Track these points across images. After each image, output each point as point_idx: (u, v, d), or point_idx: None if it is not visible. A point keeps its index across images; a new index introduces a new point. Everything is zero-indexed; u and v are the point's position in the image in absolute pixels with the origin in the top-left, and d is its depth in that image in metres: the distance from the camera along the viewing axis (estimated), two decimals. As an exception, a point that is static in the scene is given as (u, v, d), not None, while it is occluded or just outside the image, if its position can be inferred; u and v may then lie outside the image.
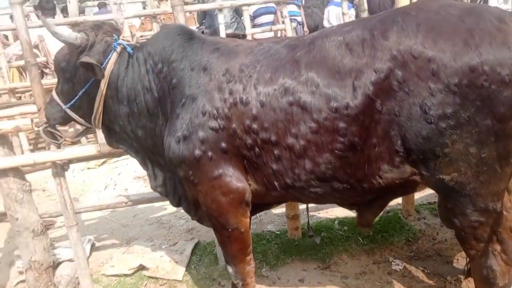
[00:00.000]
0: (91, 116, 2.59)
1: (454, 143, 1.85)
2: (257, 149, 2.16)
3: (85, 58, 2.33)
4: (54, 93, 2.69)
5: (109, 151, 3.11)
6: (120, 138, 2.70)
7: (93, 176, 5.82)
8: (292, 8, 7.44)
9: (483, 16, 1.83)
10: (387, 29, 1.93)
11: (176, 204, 2.72)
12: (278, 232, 3.80)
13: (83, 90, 2.52)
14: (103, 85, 2.47)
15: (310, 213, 3.84)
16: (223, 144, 2.19)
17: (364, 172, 2.06)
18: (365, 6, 4.72)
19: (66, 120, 2.76)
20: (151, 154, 2.62)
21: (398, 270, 3.10)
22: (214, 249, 3.51)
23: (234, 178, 2.24)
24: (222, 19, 5.36)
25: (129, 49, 2.49)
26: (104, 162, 6.13)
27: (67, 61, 2.53)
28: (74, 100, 2.56)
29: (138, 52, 2.47)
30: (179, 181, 2.54)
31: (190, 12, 12.11)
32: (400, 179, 2.05)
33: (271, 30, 6.59)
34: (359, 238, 3.50)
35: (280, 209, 4.02)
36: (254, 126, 2.12)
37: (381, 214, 3.71)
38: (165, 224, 4.25)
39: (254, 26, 7.11)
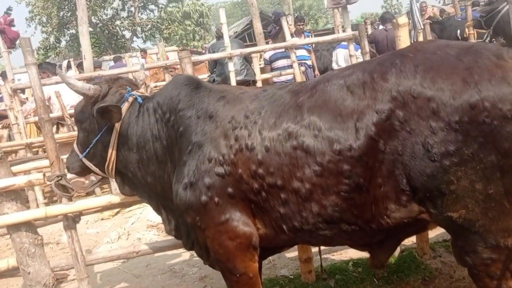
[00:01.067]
0: (105, 165, 2.69)
1: (459, 180, 1.84)
2: (263, 194, 2.18)
3: (100, 104, 2.49)
4: (74, 144, 2.85)
5: (120, 201, 3.17)
6: (133, 184, 2.77)
7: (106, 227, 5.85)
8: (302, 52, 7.66)
9: (480, 54, 1.86)
10: (386, 71, 1.98)
11: (190, 247, 2.74)
12: (292, 276, 3.73)
13: (96, 138, 2.65)
14: (115, 133, 2.59)
15: (324, 255, 3.79)
16: (230, 190, 2.22)
17: (372, 213, 2.05)
18: (367, 48, 4.85)
19: (83, 169, 2.86)
20: (163, 200, 2.67)
21: (416, 311, 3.00)
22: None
23: (241, 223, 2.26)
24: (232, 67, 5.56)
25: (139, 99, 2.62)
26: (118, 212, 6.18)
27: (83, 111, 2.70)
28: (88, 149, 2.70)
29: (148, 102, 2.59)
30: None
31: (201, 61, 12.54)
32: (409, 218, 2.03)
33: (280, 75, 6.78)
34: (374, 280, 3.41)
35: (293, 252, 3.97)
36: (260, 171, 2.15)
37: (396, 254, 3.67)
38: (178, 272, 4.21)
39: (272, 69, 7.33)
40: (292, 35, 6.98)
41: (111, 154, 2.63)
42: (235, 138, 2.22)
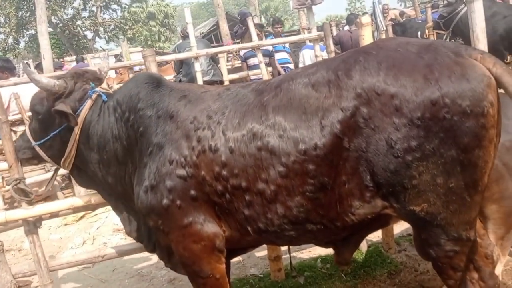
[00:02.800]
0: (61, 158, 2.60)
1: (421, 175, 1.86)
2: (227, 196, 2.14)
3: (59, 106, 2.39)
4: (27, 128, 2.73)
5: (84, 204, 3.08)
6: (92, 182, 2.70)
7: (70, 232, 5.68)
8: (284, 55, 7.70)
9: (440, 52, 1.89)
10: (351, 69, 1.97)
11: (151, 250, 2.68)
12: (262, 275, 3.73)
13: (55, 132, 2.55)
14: (77, 130, 2.50)
15: (293, 253, 3.81)
16: (192, 192, 2.16)
17: (337, 211, 2.05)
18: (332, 48, 4.91)
19: (34, 156, 2.76)
20: (124, 200, 2.61)
21: (383, 305, 3.07)
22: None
23: (205, 225, 2.21)
24: (198, 67, 5.49)
25: (104, 97, 2.53)
26: (82, 217, 6.01)
27: (42, 104, 2.58)
28: (44, 140, 2.59)
29: (109, 100, 2.51)
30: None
31: (167, 62, 12.37)
32: (373, 213, 2.05)
33: (247, 76, 6.78)
34: (342, 275, 3.46)
35: (263, 251, 3.97)
36: (224, 172, 2.11)
37: (363, 249, 3.74)
38: (146, 276, 4.13)
39: (248, 66, 7.42)
40: (259, 36, 6.98)
41: (71, 151, 2.54)
42: (198, 139, 2.17)
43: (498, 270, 2.50)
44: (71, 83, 2.54)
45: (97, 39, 32.29)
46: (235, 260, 4.05)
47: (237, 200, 2.14)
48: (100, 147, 2.48)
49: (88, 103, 2.52)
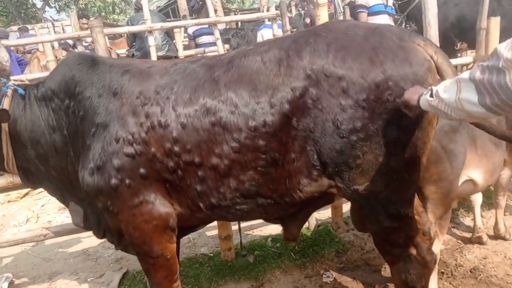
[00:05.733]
0: (3, 163, 2.44)
1: (365, 155, 1.92)
2: (180, 172, 2.10)
3: None
4: None
5: (24, 181, 2.92)
6: (38, 178, 2.55)
7: (13, 209, 5.43)
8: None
9: (385, 36, 1.94)
10: (301, 50, 1.98)
11: (101, 236, 2.58)
12: (212, 254, 3.72)
13: None
14: (4, 132, 2.32)
15: (244, 232, 3.82)
16: (142, 170, 2.10)
17: (286, 187, 2.08)
18: (288, 27, 4.88)
19: None
20: (72, 190, 2.48)
21: (329, 282, 3.14)
22: (143, 278, 3.36)
23: (157, 204, 2.16)
24: (152, 41, 5.29)
25: (20, 90, 2.35)
26: (26, 194, 5.75)
27: None
28: None
29: (34, 90, 2.34)
30: (101, 212, 2.41)
31: (121, 35, 11.88)
32: (319, 192, 2.09)
33: (204, 52, 6.61)
34: (292, 254, 3.51)
35: (213, 231, 3.96)
36: (176, 148, 2.07)
37: (312, 228, 3.80)
38: (92, 255, 4.02)
39: (196, 45, 7.18)
40: (215, 11, 6.82)
41: (7, 153, 2.38)
42: (146, 115, 2.10)
43: (437, 248, 2.61)
44: None
45: (47, 8, 30.58)
46: (185, 239, 4.02)
47: (189, 176, 2.11)
48: (33, 142, 2.34)
49: (6, 102, 2.34)
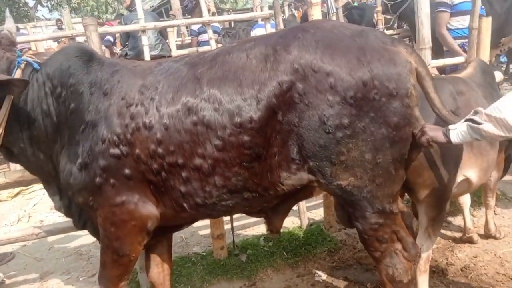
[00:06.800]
0: None
1: (350, 151, 1.94)
2: (163, 174, 2.09)
3: None
4: None
5: (16, 179, 2.91)
6: (21, 159, 2.47)
7: (5, 209, 5.40)
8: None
9: (370, 37, 1.98)
10: (289, 44, 1.99)
11: (81, 227, 2.55)
12: (204, 253, 3.72)
13: None
14: (7, 106, 2.23)
15: (236, 231, 3.82)
16: (127, 171, 2.08)
17: (269, 180, 2.09)
18: (281, 26, 4.87)
19: None
20: (53, 178, 2.44)
21: (321, 281, 3.15)
22: (136, 276, 3.36)
23: (139, 205, 2.15)
24: (146, 41, 5.27)
25: (35, 65, 2.31)
26: (18, 194, 5.71)
27: None
28: None
29: (38, 72, 2.31)
30: None
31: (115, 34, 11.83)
32: (299, 185, 2.11)
33: (197, 52, 6.60)
34: (284, 253, 3.52)
35: (206, 230, 3.96)
36: (160, 150, 2.05)
37: (305, 227, 3.81)
38: (84, 255, 4.01)
39: (198, 42, 7.26)
40: (209, 11, 6.81)
41: (0, 126, 2.27)
42: (131, 116, 2.08)
43: (430, 248, 2.62)
44: None
45: (39, 7, 30.37)
46: (177, 238, 4.03)
47: (173, 178, 2.09)
48: (30, 122, 2.30)
49: (18, 73, 2.27)
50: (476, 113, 1.80)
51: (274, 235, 2.66)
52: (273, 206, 2.32)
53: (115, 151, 2.07)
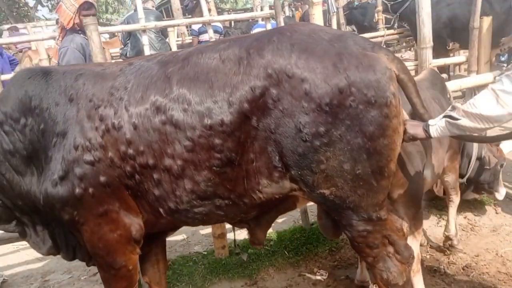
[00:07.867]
0: None
1: (328, 160, 1.87)
2: (137, 176, 2.03)
3: None
4: None
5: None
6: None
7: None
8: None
9: (349, 43, 1.91)
10: (263, 48, 1.92)
11: (71, 258, 2.45)
12: (205, 253, 3.72)
13: None
14: None
15: (237, 231, 3.82)
16: (102, 178, 2.02)
17: (244, 187, 2.03)
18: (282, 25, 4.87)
19: None
20: (37, 214, 2.33)
21: (323, 280, 3.15)
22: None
23: (121, 213, 2.11)
24: (146, 40, 5.29)
25: None
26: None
27: None
28: None
29: None
30: (69, 231, 2.31)
31: (115, 33, 11.82)
32: (280, 194, 2.06)
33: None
34: (285, 252, 3.53)
35: (207, 229, 3.96)
36: (130, 151, 2.00)
37: (307, 227, 3.81)
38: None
39: (199, 42, 7.28)
40: (209, 10, 6.84)
41: None
42: (100, 118, 2.02)
43: (417, 247, 2.61)
44: None
45: (39, 7, 30.37)
46: (179, 237, 4.03)
47: (146, 180, 2.04)
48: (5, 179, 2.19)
49: None
50: (453, 108, 1.89)
51: (257, 246, 2.58)
52: (255, 217, 2.26)
53: (89, 157, 2.01)
